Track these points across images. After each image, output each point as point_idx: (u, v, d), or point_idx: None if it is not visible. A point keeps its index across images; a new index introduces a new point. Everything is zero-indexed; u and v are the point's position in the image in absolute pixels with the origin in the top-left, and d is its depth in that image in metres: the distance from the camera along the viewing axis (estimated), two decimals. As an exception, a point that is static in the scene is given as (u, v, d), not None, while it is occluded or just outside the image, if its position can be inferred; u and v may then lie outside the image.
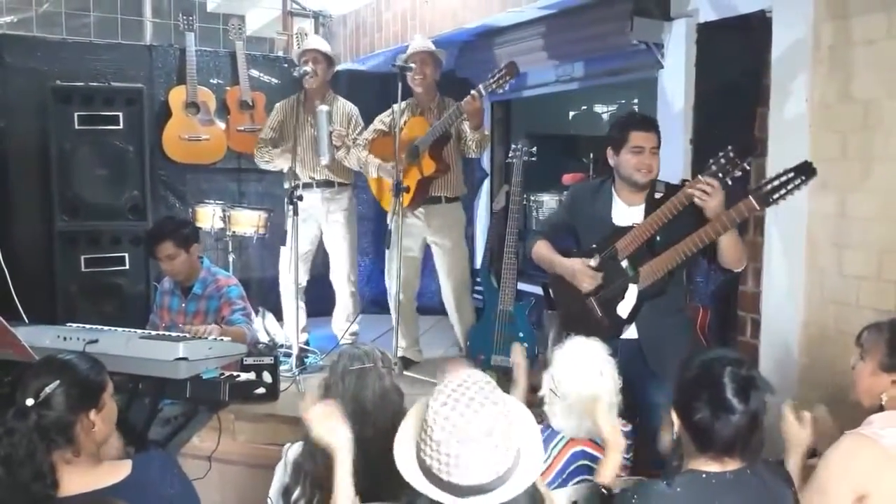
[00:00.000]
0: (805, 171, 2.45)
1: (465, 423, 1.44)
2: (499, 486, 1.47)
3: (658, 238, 2.73)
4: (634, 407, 2.64)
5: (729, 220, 2.55)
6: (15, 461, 1.73)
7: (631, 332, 2.85)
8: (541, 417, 2.39)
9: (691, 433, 1.76)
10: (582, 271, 2.87)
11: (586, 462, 2.22)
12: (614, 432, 2.09)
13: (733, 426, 1.70)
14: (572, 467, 2.21)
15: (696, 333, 3.31)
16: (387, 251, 4.13)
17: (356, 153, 4.31)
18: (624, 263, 2.81)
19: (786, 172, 2.47)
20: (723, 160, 2.58)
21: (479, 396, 1.47)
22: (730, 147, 2.59)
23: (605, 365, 2.26)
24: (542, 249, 3.03)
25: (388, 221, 4.10)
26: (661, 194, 2.80)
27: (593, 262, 2.86)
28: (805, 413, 2.10)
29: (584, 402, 2.18)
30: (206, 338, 3.04)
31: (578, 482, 2.20)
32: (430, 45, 4.17)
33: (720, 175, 2.58)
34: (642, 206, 2.83)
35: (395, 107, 3.97)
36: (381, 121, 4.32)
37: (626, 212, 2.87)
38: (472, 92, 3.71)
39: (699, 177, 2.63)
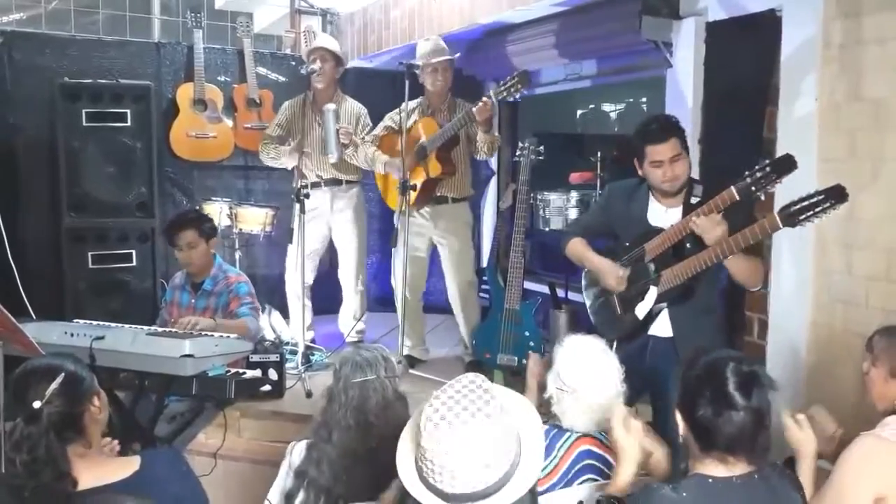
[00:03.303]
0: (837, 195, 2.30)
1: (451, 436, 1.43)
2: (491, 494, 1.46)
3: (688, 244, 2.67)
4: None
5: (752, 236, 2.47)
6: (38, 463, 1.76)
7: (665, 330, 2.81)
8: (546, 417, 2.38)
9: (695, 431, 1.75)
10: (610, 270, 2.88)
11: (592, 461, 2.21)
12: (629, 442, 2.01)
13: (736, 423, 1.68)
14: (578, 467, 2.20)
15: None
16: (393, 250, 4.12)
17: (364, 149, 4.32)
18: (650, 265, 2.78)
19: (817, 194, 2.33)
20: (759, 174, 2.45)
21: (472, 407, 1.45)
22: (767, 161, 2.46)
23: (606, 355, 2.27)
24: (577, 245, 3.05)
25: (395, 220, 4.09)
26: (699, 199, 2.71)
27: (622, 272, 2.84)
28: (800, 416, 2.07)
29: (594, 396, 2.17)
30: (193, 332, 3.07)
31: (583, 482, 2.20)
32: (448, 54, 4.12)
33: (753, 188, 2.47)
34: (679, 209, 2.77)
35: (404, 105, 3.96)
36: (391, 118, 4.33)
37: (664, 214, 2.81)
38: (484, 98, 3.71)
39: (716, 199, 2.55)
